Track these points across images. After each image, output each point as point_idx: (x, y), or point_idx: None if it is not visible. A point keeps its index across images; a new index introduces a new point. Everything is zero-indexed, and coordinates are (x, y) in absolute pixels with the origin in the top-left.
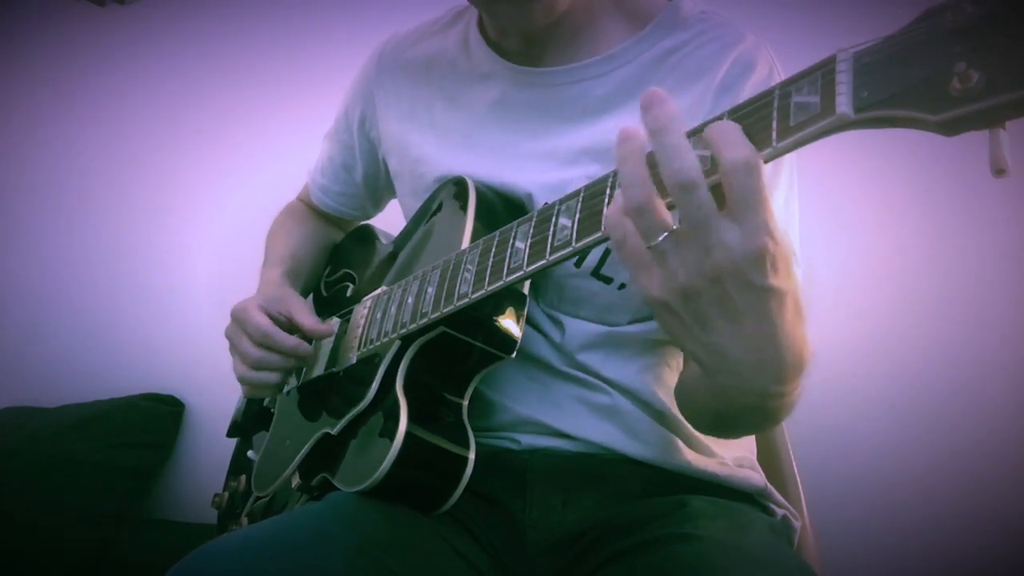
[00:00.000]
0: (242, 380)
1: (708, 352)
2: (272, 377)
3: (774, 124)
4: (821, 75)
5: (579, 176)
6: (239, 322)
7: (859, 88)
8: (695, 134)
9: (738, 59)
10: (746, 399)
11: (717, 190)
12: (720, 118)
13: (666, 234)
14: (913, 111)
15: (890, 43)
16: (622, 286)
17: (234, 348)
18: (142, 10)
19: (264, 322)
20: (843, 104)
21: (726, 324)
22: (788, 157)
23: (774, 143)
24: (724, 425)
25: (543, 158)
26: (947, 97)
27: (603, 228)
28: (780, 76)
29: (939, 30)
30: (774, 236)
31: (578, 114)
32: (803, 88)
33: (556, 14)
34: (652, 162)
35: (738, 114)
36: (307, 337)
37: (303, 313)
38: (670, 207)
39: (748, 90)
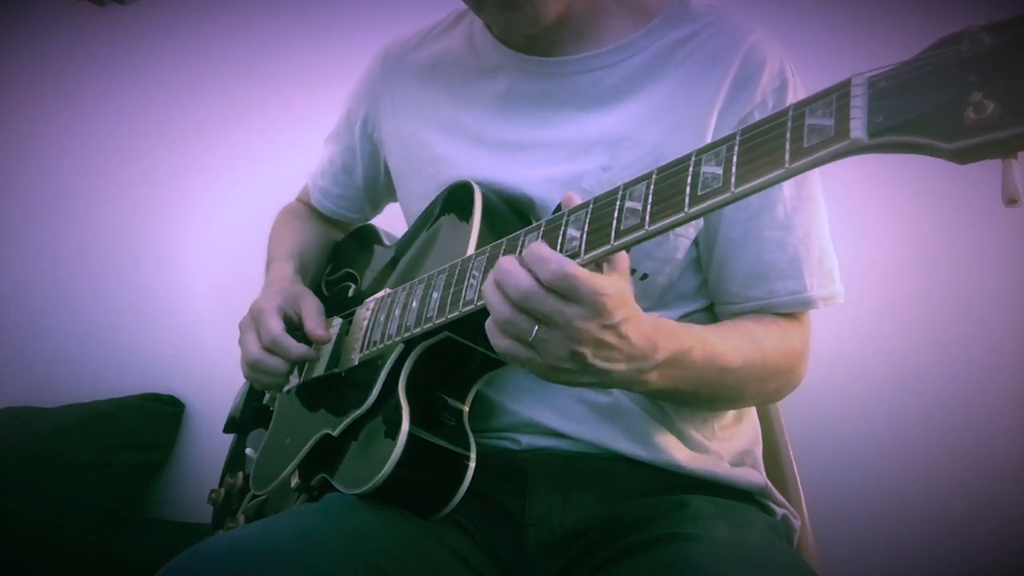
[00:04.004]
0: (246, 377)
1: (597, 381)
2: (267, 379)
3: (787, 145)
4: (836, 98)
5: (592, 167)
6: (254, 319)
7: (874, 113)
8: (540, 231)
9: (751, 51)
10: (628, 386)
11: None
12: (731, 139)
13: (536, 327)
14: (927, 138)
15: (905, 69)
16: (644, 276)
17: (241, 341)
18: (142, 10)
19: (276, 329)
20: (857, 129)
21: (604, 360)
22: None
23: (787, 164)
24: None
25: (554, 148)
26: (962, 126)
27: (493, 346)
28: (791, 68)
29: (955, 59)
30: (604, 293)
31: (589, 104)
32: (817, 110)
33: (541, 24)
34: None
35: (750, 134)
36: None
37: (312, 317)
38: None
39: (764, 83)
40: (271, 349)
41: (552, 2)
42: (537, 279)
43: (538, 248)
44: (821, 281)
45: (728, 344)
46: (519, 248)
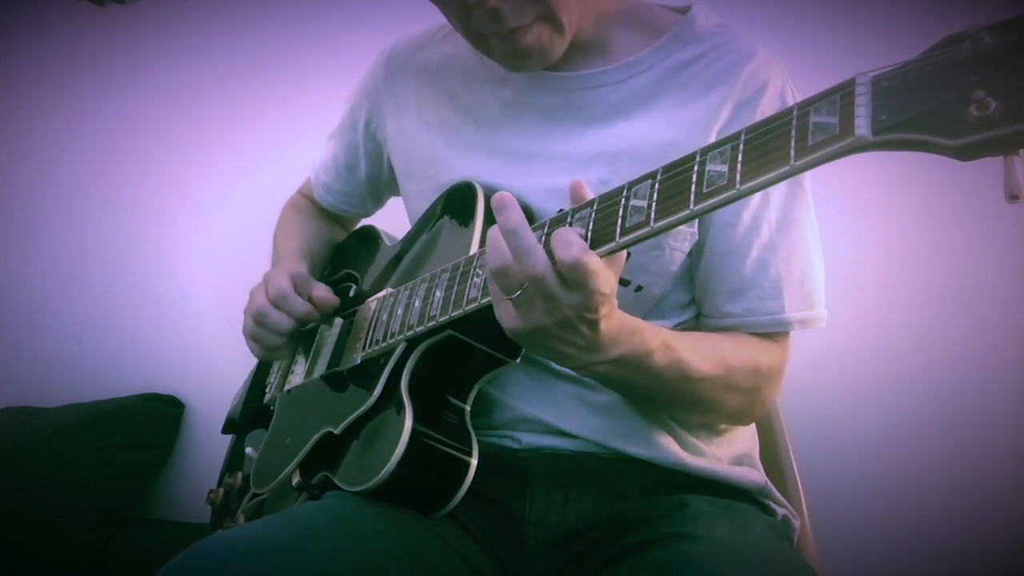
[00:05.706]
0: (247, 335)
1: (552, 357)
2: (268, 337)
3: (792, 143)
4: (840, 97)
5: (590, 181)
6: (265, 280)
7: (878, 111)
8: (545, 231)
9: (753, 73)
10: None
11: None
12: (736, 137)
13: (519, 291)
14: (930, 136)
15: (908, 68)
16: (639, 288)
17: (248, 305)
18: (142, 10)
19: (286, 285)
20: (862, 126)
21: (564, 344)
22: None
23: (792, 161)
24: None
25: (555, 161)
26: (964, 123)
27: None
28: (792, 90)
29: (958, 58)
30: (601, 292)
31: (592, 119)
32: (821, 109)
33: (550, 62)
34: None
35: (755, 132)
36: (314, 304)
37: (320, 288)
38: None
39: (764, 104)
40: (278, 304)
41: (558, 43)
42: (551, 256)
43: (566, 233)
44: (799, 304)
45: (694, 353)
46: None
